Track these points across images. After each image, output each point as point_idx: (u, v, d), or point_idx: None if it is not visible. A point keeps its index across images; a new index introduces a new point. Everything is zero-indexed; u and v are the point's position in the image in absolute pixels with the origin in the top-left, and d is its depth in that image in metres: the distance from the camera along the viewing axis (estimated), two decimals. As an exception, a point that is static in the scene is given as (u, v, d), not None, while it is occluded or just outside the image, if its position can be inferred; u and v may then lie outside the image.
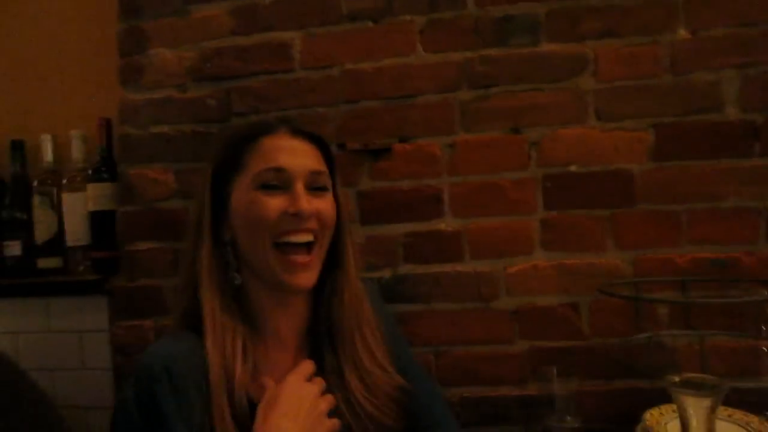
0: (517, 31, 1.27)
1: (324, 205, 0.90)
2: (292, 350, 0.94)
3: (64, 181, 1.52)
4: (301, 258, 0.87)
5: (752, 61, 1.20)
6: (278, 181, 0.87)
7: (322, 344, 0.94)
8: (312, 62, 1.34)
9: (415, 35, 1.30)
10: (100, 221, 1.48)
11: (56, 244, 1.55)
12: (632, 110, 1.23)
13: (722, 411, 1.03)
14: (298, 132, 0.92)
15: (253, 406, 0.83)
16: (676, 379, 1.01)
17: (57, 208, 1.55)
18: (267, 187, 0.86)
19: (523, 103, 1.27)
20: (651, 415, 1.06)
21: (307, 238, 0.87)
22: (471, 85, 1.28)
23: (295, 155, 0.89)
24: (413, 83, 1.30)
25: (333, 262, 0.95)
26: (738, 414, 1.04)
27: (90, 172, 1.49)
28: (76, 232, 1.51)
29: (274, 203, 0.85)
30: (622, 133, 1.24)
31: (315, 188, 0.90)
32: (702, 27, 1.22)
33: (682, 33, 1.22)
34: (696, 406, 0.97)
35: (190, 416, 0.81)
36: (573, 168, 1.25)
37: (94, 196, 1.47)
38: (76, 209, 1.50)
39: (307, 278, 0.88)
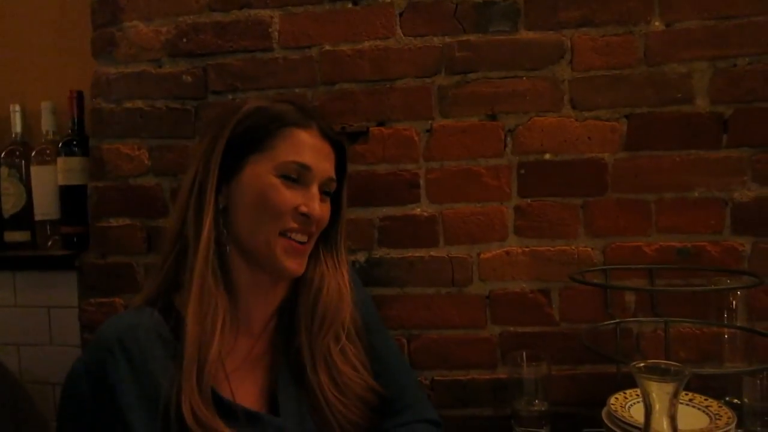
0: (497, 18, 1.27)
1: (327, 211, 0.93)
2: (256, 336, 0.94)
3: (34, 154, 1.49)
4: (300, 245, 0.89)
5: (723, 54, 1.22)
6: (299, 177, 0.88)
7: (293, 332, 0.93)
8: (291, 42, 1.33)
9: (395, 19, 1.30)
10: (70, 196, 1.45)
11: (24, 217, 1.51)
12: (607, 100, 1.25)
13: (684, 396, 1.07)
14: (327, 133, 0.93)
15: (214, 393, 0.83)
16: (641, 364, 1.04)
17: (26, 180, 1.51)
18: (288, 179, 0.87)
19: (500, 89, 1.27)
20: (616, 399, 1.09)
21: (304, 238, 0.89)
22: (450, 71, 1.28)
23: (320, 157, 0.90)
24: (392, 67, 1.30)
25: (322, 253, 0.96)
26: (699, 398, 1.07)
27: (60, 145, 1.45)
28: (45, 206, 1.48)
29: (290, 196, 0.87)
30: (596, 123, 1.25)
31: (325, 192, 0.92)
32: (676, 19, 1.23)
33: (657, 24, 1.24)
34: (659, 391, 1.00)
35: (147, 389, 0.80)
36: (547, 156, 1.26)
37: (65, 169, 1.44)
38: (46, 183, 1.47)
39: (301, 264, 0.90)
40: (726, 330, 1.17)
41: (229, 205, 0.89)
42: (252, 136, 0.89)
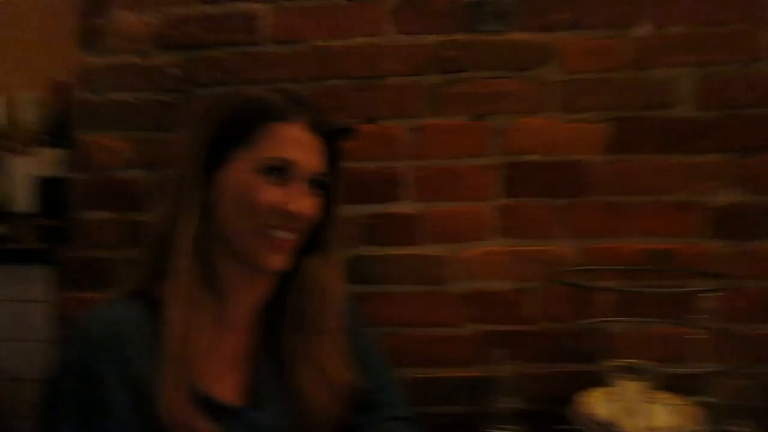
0: (488, 18, 1.29)
1: (315, 206, 0.88)
2: (242, 331, 0.92)
3: (14, 145, 1.46)
4: (283, 241, 0.85)
5: (709, 61, 1.25)
6: (284, 172, 0.84)
7: (278, 329, 0.92)
8: (281, 36, 1.32)
9: (386, 15, 1.30)
10: (49, 188, 1.43)
11: (2, 210, 1.49)
12: (593, 103, 1.27)
13: (656, 394, 1.08)
14: (318, 127, 0.89)
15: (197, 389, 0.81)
16: (615, 363, 1.06)
17: (5, 171, 1.48)
18: (269, 175, 0.84)
19: (489, 90, 1.28)
20: (582, 397, 1.11)
21: (287, 235, 0.86)
22: (439, 70, 1.29)
23: (307, 151, 0.86)
24: (382, 64, 1.30)
25: (314, 245, 0.93)
26: (670, 397, 1.09)
27: (42, 136, 1.43)
28: (24, 199, 1.45)
29: (272, 194, 0.83)
30: (582, 125, 1.27)
31: (315, 186, 0.88)
32: (665, 24, 1.26)
33: (646, 29, 1.26)
34: (631, 389, 1.03)
35: (132, 385, 0.78)
36: (533, 157, 1.28)
37: (45, 161, 1.42)
38: (25, 174, 1.45)
39: (284, 260, 0.87)
40: (696, 330, 1.19)
41: (212, 199, 0.87)
42: (236, 130, 0.86)
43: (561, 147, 1.27)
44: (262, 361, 0.91)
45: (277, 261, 0.86)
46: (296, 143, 0.86)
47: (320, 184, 0.90)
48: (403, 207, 1.30)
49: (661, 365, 1.16)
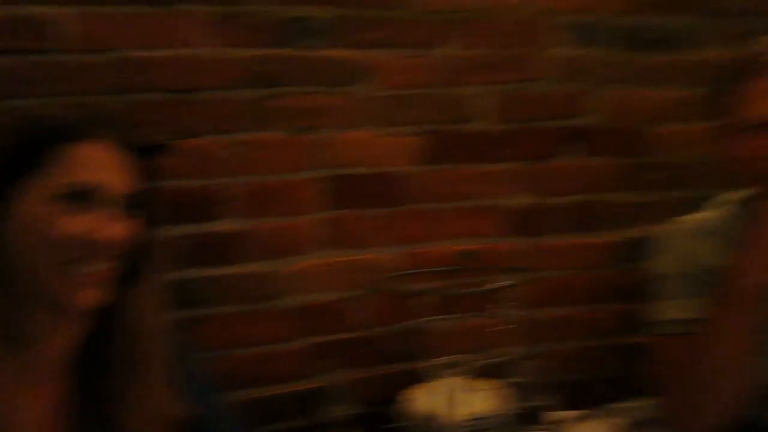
0: (305, 34, 1.30)
1: (127, 230, 0.79)
2: (57, 382, 0.82)
3: None
4: (91, 275, 0.76)
5: (505, 79, 1.40)
6: (84, 198, 0.75)
7: (97, 372, 0.84)
8: (83, 45, 1.20)
9: (203, 27, 1.25)
10: None
11: None
12: (408, 117, 1.35)
13: (474, 383, 1.20)
14: (124, 145, 0.80)
15: None
16: (436, 361, 1.16)
17: None
18: (70, 203, 0.74)
19: (309, 105, 1.30)
20: (406, 396, 1.20)
21: (104, 266, 0.77)
22: (257, 84, 1.28)
23: (112, 171, 0.77)
24: (199, 77, 1.25)
25: (133, 272, 0.84)
26: (485, 384, 1.22)
27: None
28: None
29: (74, 224, 0.73)
30: (399, 138, 1.35)
31: (130, 208, 0.80)
32: (469, 46, 1.37)
33: (453, 49, 1.36)
34: (451, 383, 1.14)
35: None
36: (353, 170, 1.33)
37: None
38: None
39: (97, 295, 0.77)
40: (502, 320, 1.34)
41: (7, 238, 0.78)
42: (23, 157, 0.76)
43: (377, 159, 1.34)
44: (82, 413, 0.84)
45: (89, 297, 0.77)
46: (98, 164, 0.78)
47: (136, 206, 0.82)
48: (227, 225, 1.27)
49: (476, 356, 1.30)
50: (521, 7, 1.39)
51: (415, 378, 1.24)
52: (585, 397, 1.46)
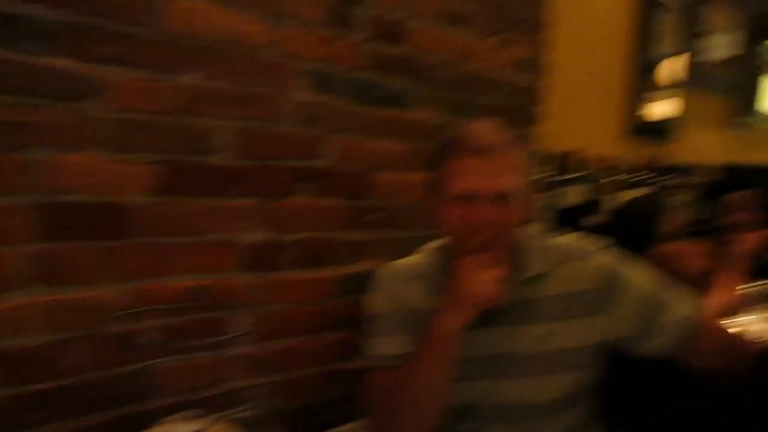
0: (26, 36, 1.11)
1: None
2: None
3: None
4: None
5: (245, 115, 1.41)
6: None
7: None
8: None
9: None
10: None
11: None
12: (140, 144, 1.26)
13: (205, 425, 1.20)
14: None
15: None
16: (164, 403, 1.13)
17: None
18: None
19: (22, 118, 1.12)
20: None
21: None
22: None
23: None
24: None
25: None
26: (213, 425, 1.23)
27: None
28: None
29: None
30: (127, 166, 1.25)
31: None
32: (211, 76, 1.35)
33: (195, 78, 1.33)
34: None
35: None
36: (74, 197, 1.19)
37: None
38: None
39: None
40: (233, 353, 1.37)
41: None
42: None
43: (103, 187, 1.22)
44: None
45: None
46: None
47: None
48: None
49: (205, 397, 1.30)
50: (268, 47, 1.43)
51: (140, 424, 1.17)
52: (310, 422, 1.58)
